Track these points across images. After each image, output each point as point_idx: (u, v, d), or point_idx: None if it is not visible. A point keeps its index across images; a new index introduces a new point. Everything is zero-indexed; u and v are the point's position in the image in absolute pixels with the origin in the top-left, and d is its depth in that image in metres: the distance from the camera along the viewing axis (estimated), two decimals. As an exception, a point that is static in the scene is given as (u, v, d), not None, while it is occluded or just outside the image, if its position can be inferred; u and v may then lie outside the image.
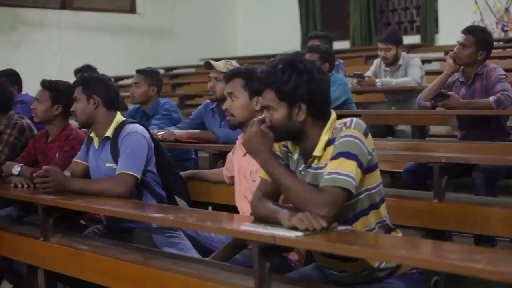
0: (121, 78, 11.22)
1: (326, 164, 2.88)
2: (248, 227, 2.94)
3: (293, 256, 3.62)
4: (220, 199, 4.64)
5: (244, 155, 3.80)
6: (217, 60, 5.34)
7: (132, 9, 13.27)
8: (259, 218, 3.03)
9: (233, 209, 3.97)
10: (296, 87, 2.89)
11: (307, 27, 13.09)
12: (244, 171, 3.84)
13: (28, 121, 5.24)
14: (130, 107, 6.64)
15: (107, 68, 7.57)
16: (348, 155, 2.81)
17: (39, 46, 11.81)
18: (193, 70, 12.40)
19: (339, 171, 2.79)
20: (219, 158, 4.97)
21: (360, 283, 3.03)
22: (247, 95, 3.92)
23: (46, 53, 11.82)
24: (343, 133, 2.86)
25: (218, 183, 4.49)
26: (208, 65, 5.25)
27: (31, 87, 6.70)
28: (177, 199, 4.39)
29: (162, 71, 9.77)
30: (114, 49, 12.49)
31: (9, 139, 5.06)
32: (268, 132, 2.96)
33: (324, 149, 2.94)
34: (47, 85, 4.81)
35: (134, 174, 4.10)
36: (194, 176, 4.72)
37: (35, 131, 5.20)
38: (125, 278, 3.55)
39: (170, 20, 13.40)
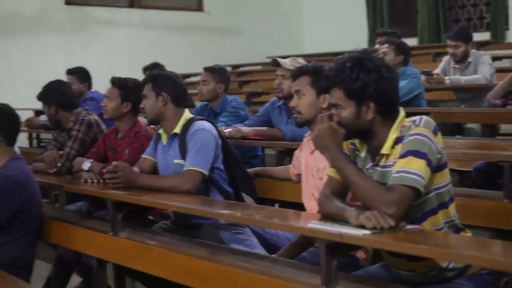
0: (189, 76, 11.32)
1: (394, 162, 2.86)
2: (316, 224, 2.94)
3: (360, 255, 3.60)
4: (287, 196, 4.64)
5: (312, 152, 3.79)
6: (284, 57, 5.34)
7: (199, 7, 13.37)
8: (326, 216, 3.02)
9: (300, 207, 3.97)
10: (364, 86, 2.87)
11: (374, 24, 12.97)
12: (311, 169, 3.83)
13: (96, 117, 5.32)
14: (198, 104, 6.69)
15: (174, 65, 7.63)
16: (417, 154, 2.78)
17: (108, 44, 12.00)
18: (259, 67, 12.42)
19: (407, 169, 2.76)
20: (286, 156, 4.98)
21: (428, 283, 3.00)
22: (314, 93, 3.90)
23: (115, 51, 12.00)
24: (412, 131, 2.84)
25: (285, 180, 4.48)
26: (275, 63, 5.26)
27: (101, 85, 6.81)
28: (244, 196, 4.41)
29: (229, 69, 9.79)
30: (182, 47, 12.60)
31: (77, 135, 5.14)
32: (338, 128, 2.95)
33: (392, 147, 2.92)
34: (116, 82, 4.88)
35: (202, 171, 4.13)
36: (261, 173, 4.72)
37: (103, 127, 5.28)
38: (192, 273, 3.57)
39: (237, 18, 13.44)
